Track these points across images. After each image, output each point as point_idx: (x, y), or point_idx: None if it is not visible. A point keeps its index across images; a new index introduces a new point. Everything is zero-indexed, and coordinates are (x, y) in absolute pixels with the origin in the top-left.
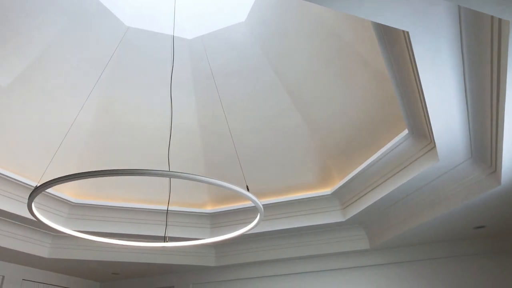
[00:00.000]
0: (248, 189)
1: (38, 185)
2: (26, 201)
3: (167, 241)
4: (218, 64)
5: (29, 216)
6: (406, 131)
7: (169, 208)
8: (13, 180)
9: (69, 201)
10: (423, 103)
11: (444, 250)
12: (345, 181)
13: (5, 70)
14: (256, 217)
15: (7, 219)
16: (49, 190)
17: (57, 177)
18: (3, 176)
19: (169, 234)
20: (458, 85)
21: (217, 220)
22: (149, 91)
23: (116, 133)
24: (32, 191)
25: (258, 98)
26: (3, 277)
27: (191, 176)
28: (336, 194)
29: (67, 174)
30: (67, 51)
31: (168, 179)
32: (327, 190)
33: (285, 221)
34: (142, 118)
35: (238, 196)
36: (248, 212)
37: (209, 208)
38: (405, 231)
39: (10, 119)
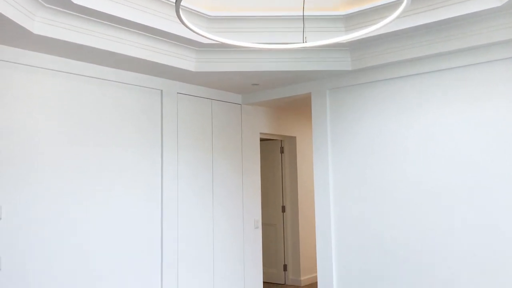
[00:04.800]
0: None
1: None
2: (171, 18)
3: (305, 42)
4: None
5: (175, 32)
6: None
7: (303, 14)
8: None
9: (206, 14)
10: None
11: None
12: None
13: None
14: (393, 14)
15: (156, 36)
16: (186, 4)
17: None
18: None
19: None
20: None
21: (352, 22)
22: None
23: None
24: None
25: None
26: (161, 91)
27: None
28: None
29: None
30: None
31: None
32: None
33: (428, 14)
34: None
35: None
36: (384, 10)
37: (343, 10)
38: None
39: None
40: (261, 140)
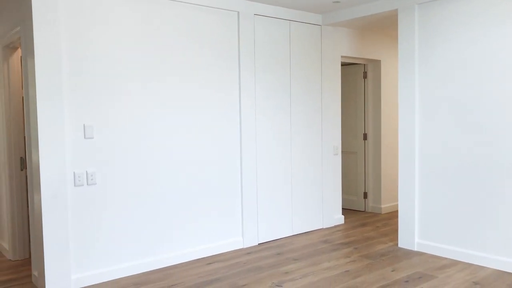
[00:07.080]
0: None
1: None
2: None
3: None
4: None
5: None
6: None
7: None
8: None
9: None
10: None
11: None
12: None
13: None
14: None
15: None
16: None
17: None
18: None
19: None
20: None
21: None
22: None
23: None
24: None
25: None
26: (238, 12)
27: None
28: None
29: None
30: None
31: None
32: None
33: None
34: None
35: None
36: None
37: None
38: None
39: None
40: (343, 64)
